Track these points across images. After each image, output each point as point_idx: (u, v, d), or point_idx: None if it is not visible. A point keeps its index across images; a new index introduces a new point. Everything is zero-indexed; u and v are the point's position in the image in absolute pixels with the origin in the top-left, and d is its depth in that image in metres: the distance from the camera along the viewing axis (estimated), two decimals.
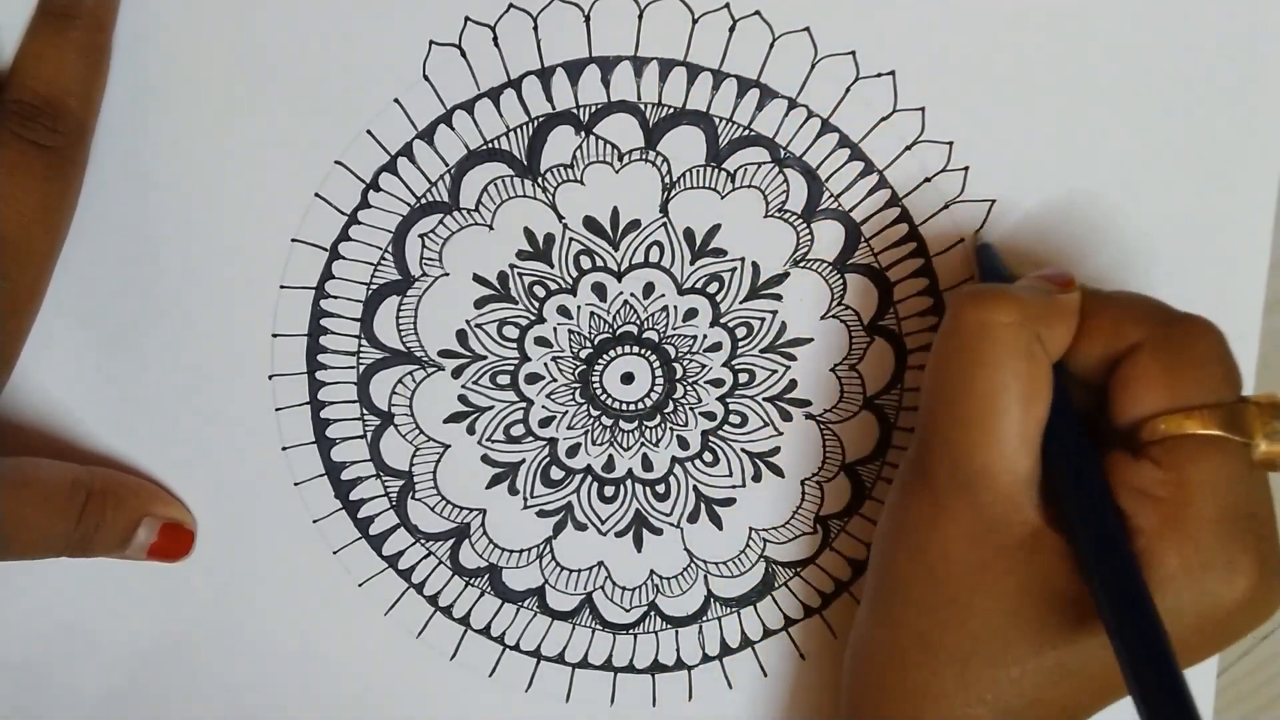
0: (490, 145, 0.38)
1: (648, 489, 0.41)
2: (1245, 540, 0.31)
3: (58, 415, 0.40)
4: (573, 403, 0.41)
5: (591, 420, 0.41)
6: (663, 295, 0.40)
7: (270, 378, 0.40)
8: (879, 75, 0.38)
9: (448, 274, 0.39)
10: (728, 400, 0.41)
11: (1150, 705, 0.29)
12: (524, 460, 0.41)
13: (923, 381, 0.35)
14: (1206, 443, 0.32)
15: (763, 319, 0.40)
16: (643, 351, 0.40)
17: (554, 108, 0.38)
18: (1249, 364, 0.40)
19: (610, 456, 0.41)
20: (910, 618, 0.34)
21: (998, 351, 0.33)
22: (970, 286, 0.34)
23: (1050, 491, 0.33)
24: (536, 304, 0.40)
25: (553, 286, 0.40)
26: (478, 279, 0.39)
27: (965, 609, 0.33)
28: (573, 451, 0.41)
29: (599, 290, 0.40)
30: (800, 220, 0.39)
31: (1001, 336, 0.33)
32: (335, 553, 0.41)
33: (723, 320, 0.40)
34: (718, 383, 0.41)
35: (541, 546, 0.42)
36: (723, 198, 0.39)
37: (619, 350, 0.40)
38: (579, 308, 0.40)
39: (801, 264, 0.40)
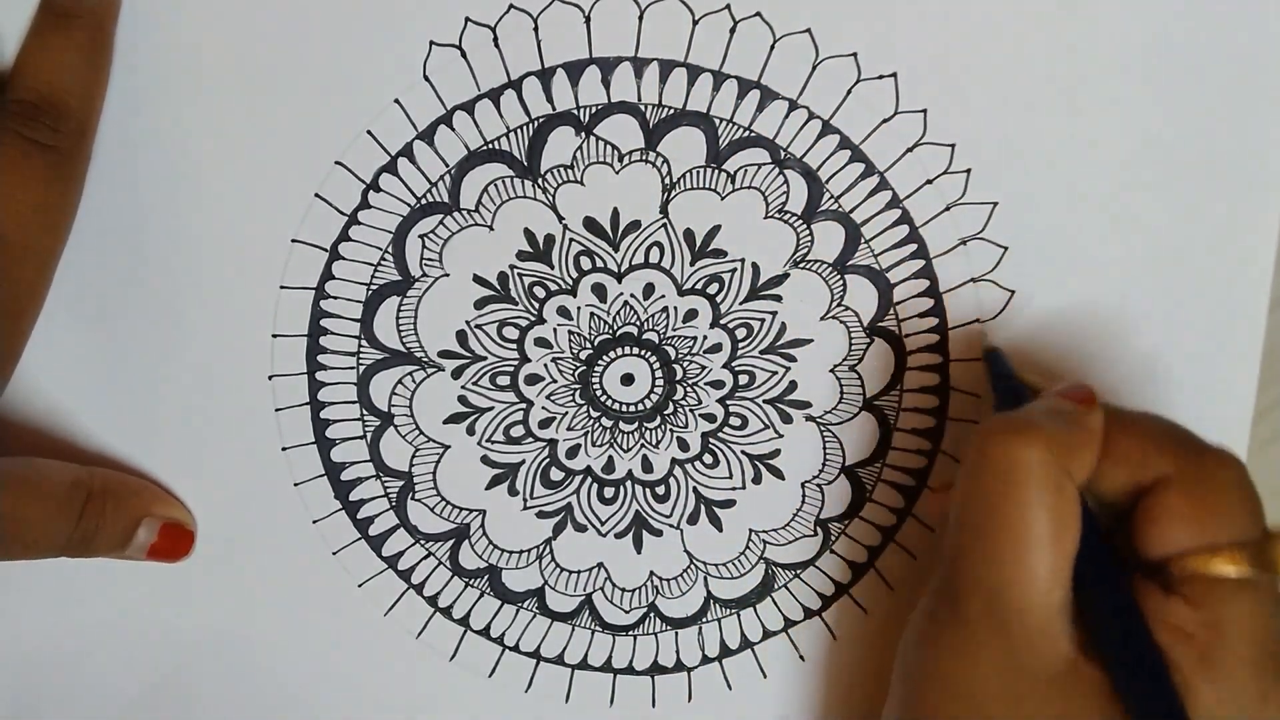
0: (490, 146, 0.38)
1: (648, 490, 0.41)
2: (1277, 673, 0.32)
3: (58, 415, 0.40)
4: (573, 404, 0.41)
5: (591, 421, 0.41)
6: (663, 296, 0.40)
7: (270, 378, 0.40)
8: (880, 77, 0.38)
9: (448, 274, 0.39)
10: (728, 402, 0.41)
11: None
12: (524, 461, 0.41)
13: (950, 513, 0.35)
14: (1239, 585, 0.32)
15: (763, 320, 0.40)
16: (643, 353, 0.40)
17: (554, 108, 0.38)
18: (1252, 363, 0.40)
19: (610, 458, 0.41)
20: None
21: (1029, 490, 0.33)
22: (996, 420, 0.34)
23: (1081, 621, 0.33)
24: (536, 305, 0.40)
25: (553, 287, 0.39)
26: (478, 279, 0.39)
27: None
28: (572, 453, 0.41)
29: (599, 291, 0.40)
30: (800, 221, 0.39)
31: (1031, 474, 0.33)
32: (335, 553, 0.41)
33: (723, 321, 0.40)
34: (718, 384, 0.41)
35: (541, 547, 0.42)
36: (723, 199, 0.39)
37: (619, 351, 0.40)
38: (579, 309, 0.40)
39: (801, 265, 0.40)
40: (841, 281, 0.40)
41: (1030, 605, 0.33)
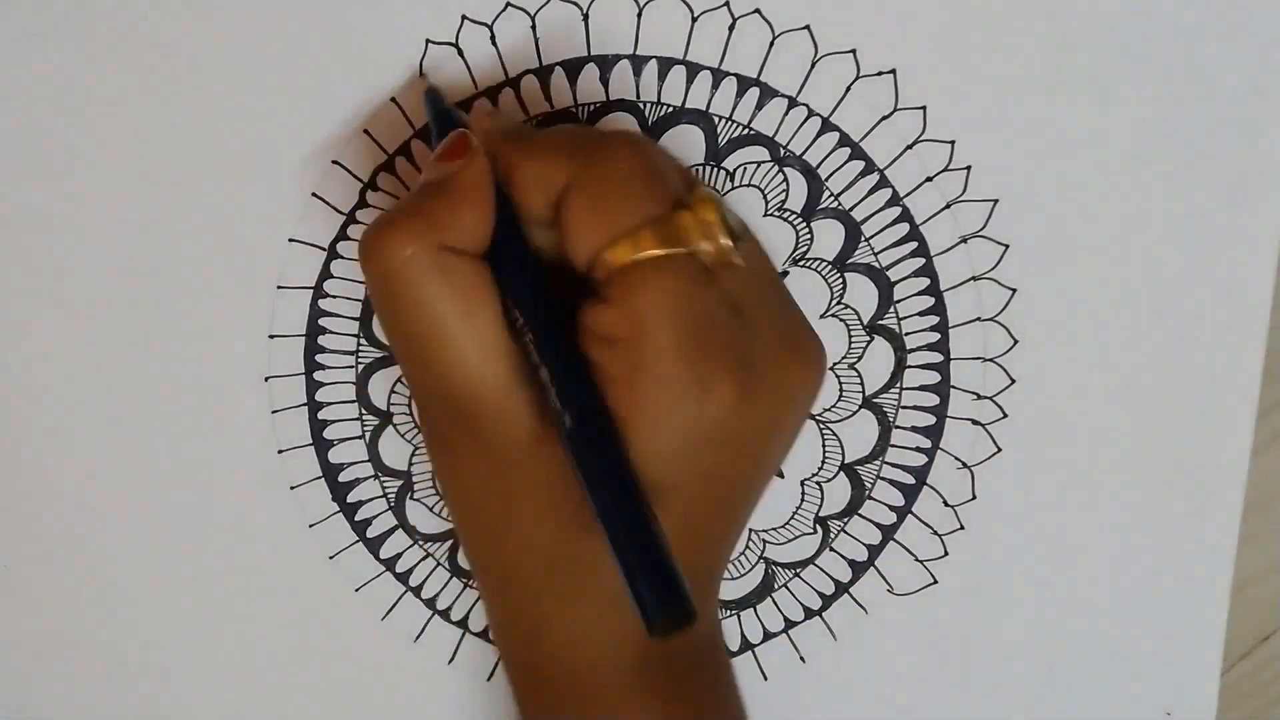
0: None
1: None
2: (709, 352, 0.30)
3: (55, 416, 0.39)
4: None
5: None
6: None
7: (266, 379, 0.39)
8: (880, 74, 0.38)
9: None
10: None
11: (620, 554, 0.28)
12: None
13: None
14: (650, 268, 0.30)
15: None
16: None
17: (552, 107, 0.38)
18: (1254, 363, 0.40)
19: None
20: (484, 575, 0.34)
21: (410, 287, 0.31)
22: (363, 233, 0.32)
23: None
24: None
25: None
26: None
27: (500, 539, 0.33)
28: None
29: None
30: (800, 219, 0.39)
31: (405, 273, 0.31)
32: (332, 557, 0.41)
33: None
34: None
35: None
36: (722, 196, 0.39)
37: None
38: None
39: (801, 263, 0.39)
40: (841, 279, 0.40)
41: (478, 390, 0.31)
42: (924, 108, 0.38)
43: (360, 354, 0.39)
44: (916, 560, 0.42)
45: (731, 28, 0.38)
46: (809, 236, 0.39)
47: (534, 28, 0.37)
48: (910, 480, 0.41)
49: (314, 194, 0.38)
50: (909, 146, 0.39)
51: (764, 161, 0.39)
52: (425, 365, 0.32)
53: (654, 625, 0.28)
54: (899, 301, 0.40)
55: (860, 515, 0.42)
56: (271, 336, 0.39)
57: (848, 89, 0.38)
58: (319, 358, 0.39)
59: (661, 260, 0.30)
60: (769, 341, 0.32)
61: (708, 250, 0.31)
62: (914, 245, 0.39)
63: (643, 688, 0.33)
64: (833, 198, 0.39)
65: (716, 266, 0.31)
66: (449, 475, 0.34)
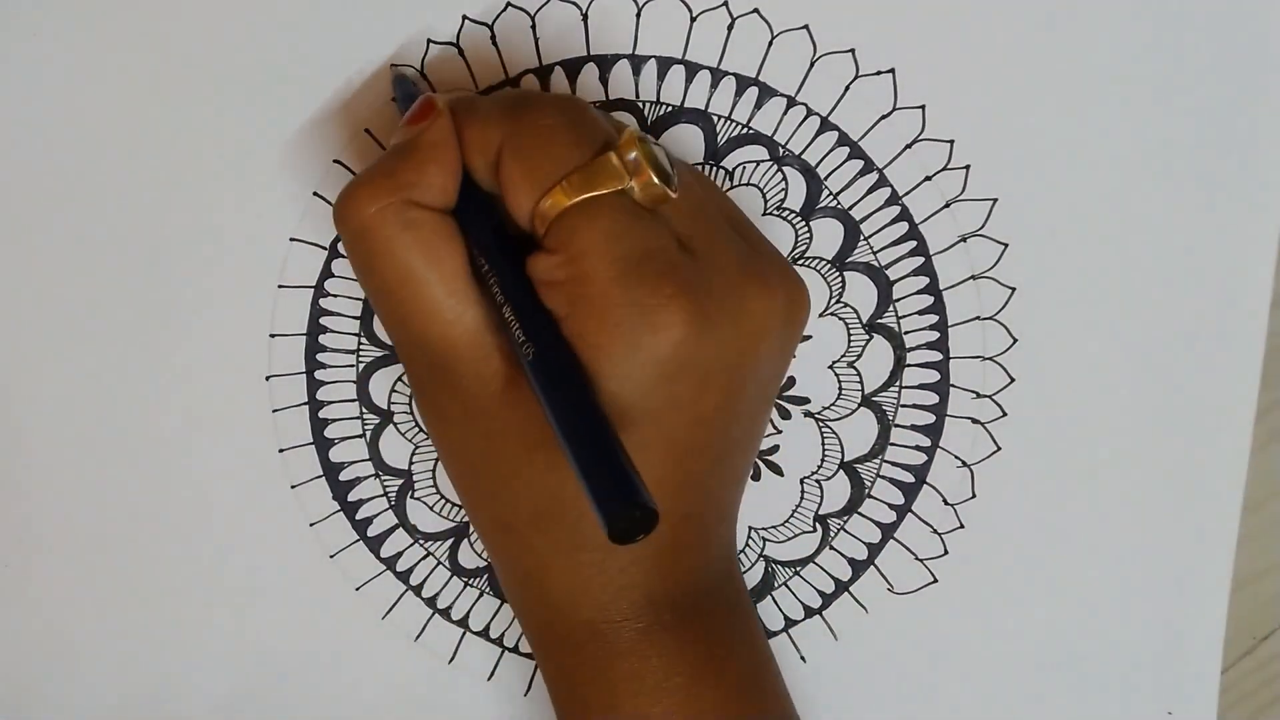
0: None
1: None
2: (650, 282, 0.31)
3: (55, 415, 0.39)
4: None
5: None
6: None
7: (268, 379, 0.40)
8: (879, 73, 0.38)
9: None
10: None
11: (577, 463, 0.29)
12: None
13: None
14: (581, 211, 0.31)
15: None
16: None
17: None
18: (1253, 363, 0.40)
19: None
20: (481, 530, 0.36)
21: (379, 243, 0.32)
22: (338, 196, 0.33)
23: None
24: None
25: None
26: None
27: (489, 488, 0.34)
28: None
29: None
30: (799, 218, 0.39)
31: (373, 228, 0.32)
32: (332, 556, 0.41)
33: None
34: None
35: None
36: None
37: None
38: None
39: (800, 262, 0.39)
40: (840, 278, 0.40)
41: (449, 337, 0.33)
42: (923, 107, 0.38)
43: (361, 353, 0.40)
44: (916, 559, 0.42)
45: (730, 27, 0.38)
46: (808, 235, 0.39)
47: (534, 27, 0.37)
48: (910, 479, 0.41)
49: (315, 193, 0.38)
50: (908, 146, 0.39)
51: (763, 161, 0.39)
52: (400, 316, 0.33)
53: (614, 527, 0.28)
54: (898, 300, 0.40)
55: (860, 514, 0.42)
56: (272, 335, 0.39)
57: (846, 88, 0.38)
58: (320, 356, 0.40)
59: (590, 202, 0.31)
60: (725, 269, 0.32)
61: (637, 190, 0.32)
62: (913, 244, 0.40)
63: (656, 630, 0.34)
64: (832, 197, 0.39)
65: (653, 203, 0.32)
66: (434, 425, 0.35)
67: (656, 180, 0.31)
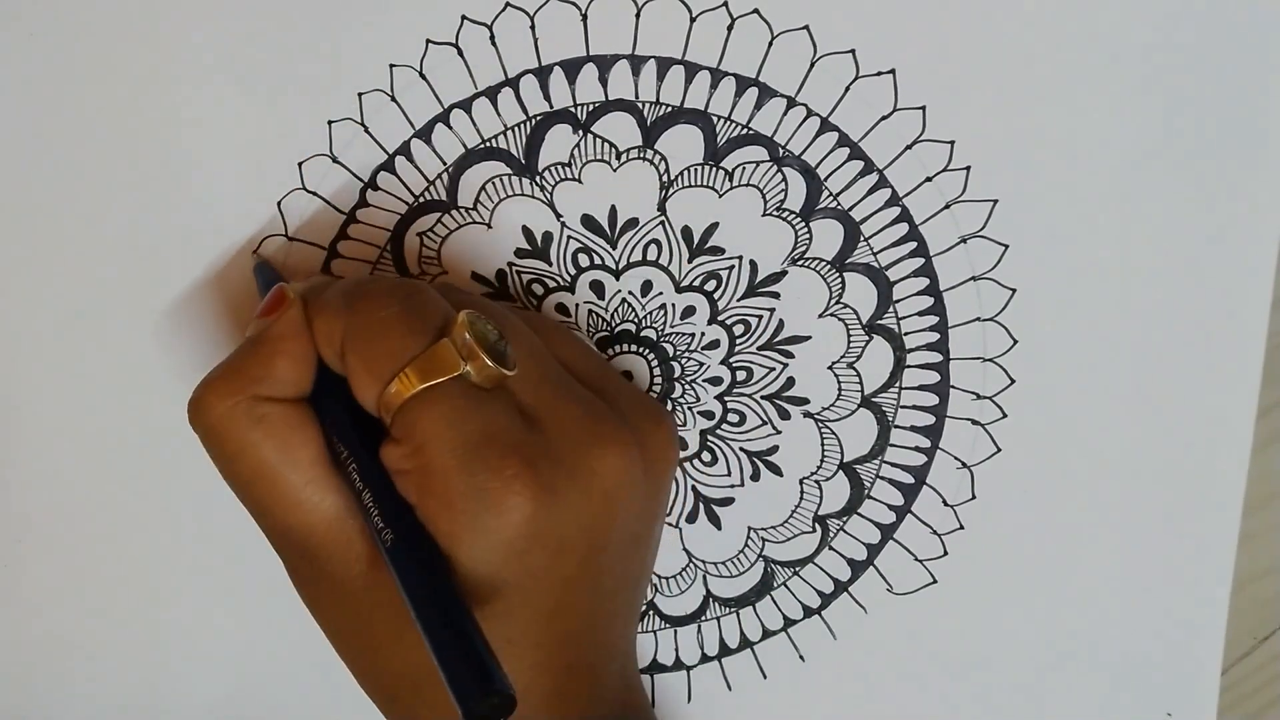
0: (488, 144, 0.38)
1: None
2: (492, 465, 0.31)
3: (54, 416, 0.40)
4: None
5: None
6: (660, 293, 0.40)
7: None
8: (879, 74, 0.38)
9: (446, 273, 0.39)
10: (726, 398, 0.41)
11: (433, 649, 0.29)
12: None
13: None
14: (421, 401, 0.31)
15: (760, 316, 0.40)
16: (641, 350, 0.40)
17: (551, 106, 0.38)
18: (1254, 363, 0.40)
19: None
20: (373, 698, 0.35)
21: (230, 441, 0.33)
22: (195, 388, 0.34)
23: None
24: (535, 302, 0.40)
25: (551, 284, 0.39)
26: (476, 277, 0.39)
27: (371, 663, 0.34)
28: None
29: (597, 288, 0.39)
30: (799, 219, 0.39)
31: (222, 428, 0.33)
32: None
33: (720, 318, 0.40)
34: (715, 380, 0.40)
35: None
36: (720, 196, 0.39)
37: (617, 348, 0.40)
38: (577, 306, 0.40)
39: (800, 263, 0.39)
40: (840, 279, 0.40)
41: (310, 524, 0.33)
42: (923, 108, 0.38)
43: None
44: (916, 560, 0.42)
45: (730, 27, 0.38)
46: (808, 236, 0.39)
47: (533, 28, 0.37)
48: (909, 479, 0.41)
49: (315, 193, 0.38)
50: (908, 146, 0.39)
51: (763, 161, 0.39)
52: (261, 508, 0.34)
53: (470, 714, 0.28)
54: (898, 301, 0.40)
55: (859, 514, 0.42)
56: None
57: (847, 89, 0.38)
58: None
59: (429, 391, 0.32)
60: (570, 434, 0.33)
61: (474, 372, 0.32)
62: (913, 245, 0.39)
63: None
64: (832, 197, 0.39)
65: (492, 384, 0.32)
66: (309, 605, 0.35)
67: (490, 363, 0.32)
